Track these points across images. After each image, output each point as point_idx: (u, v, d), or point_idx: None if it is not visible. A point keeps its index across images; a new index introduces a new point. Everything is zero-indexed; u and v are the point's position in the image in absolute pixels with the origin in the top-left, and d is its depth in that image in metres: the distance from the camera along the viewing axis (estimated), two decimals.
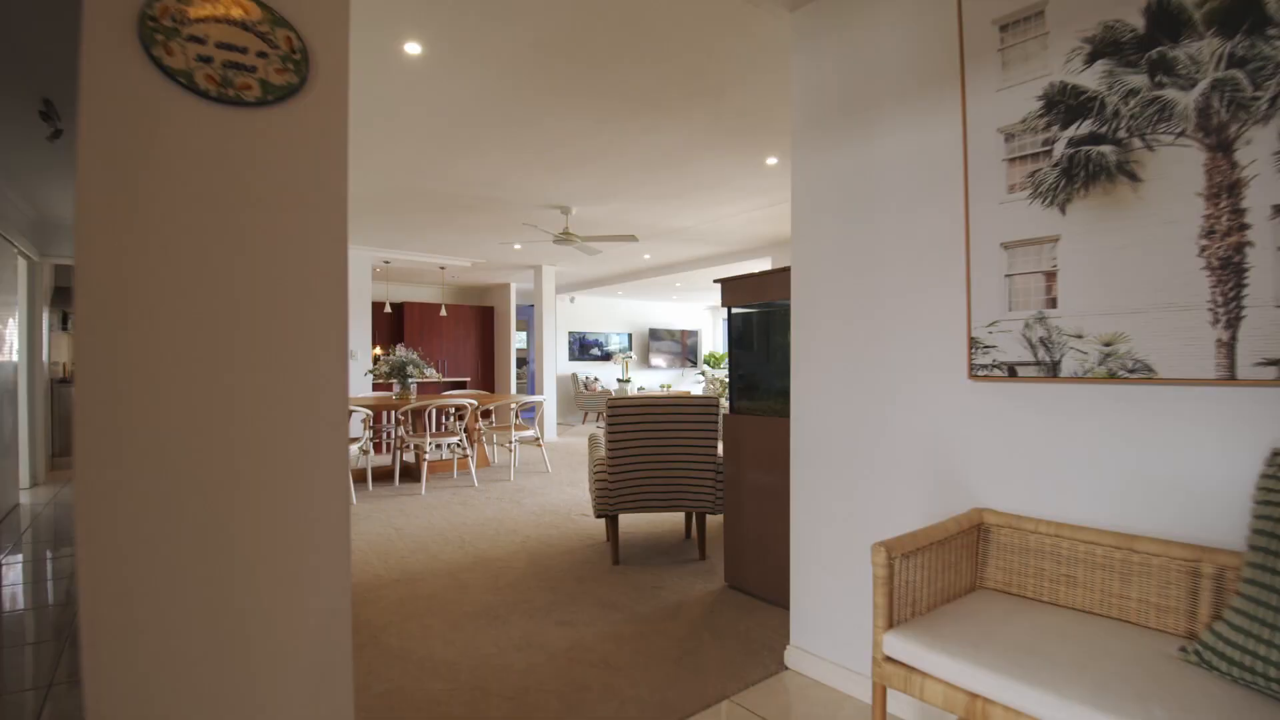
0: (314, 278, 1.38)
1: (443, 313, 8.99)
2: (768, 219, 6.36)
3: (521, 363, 13.50)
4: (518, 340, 13.15)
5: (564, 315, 12.21)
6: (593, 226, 6.21)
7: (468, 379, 8.69)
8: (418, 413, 5.99)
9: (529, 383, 13.18)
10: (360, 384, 7.50)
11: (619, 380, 12.22)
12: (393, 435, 6.50)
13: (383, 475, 6.21)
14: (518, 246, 7.71)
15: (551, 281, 9.23)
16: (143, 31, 1.15)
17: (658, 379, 13.69)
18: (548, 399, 8.78)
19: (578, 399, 11.67)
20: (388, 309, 8.41)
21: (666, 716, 2.04)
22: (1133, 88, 1.55)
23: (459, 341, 10.99)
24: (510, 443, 6.22)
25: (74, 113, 1.39)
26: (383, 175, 4.88)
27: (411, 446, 5.95)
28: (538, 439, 6.48)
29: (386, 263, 8.34)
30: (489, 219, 6.16)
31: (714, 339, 14.91)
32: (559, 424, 11.34)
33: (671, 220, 6.33)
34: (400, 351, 6.31)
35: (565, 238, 5.59)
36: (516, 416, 6.81)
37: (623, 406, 3.40)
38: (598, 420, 12.01)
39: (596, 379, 12.01)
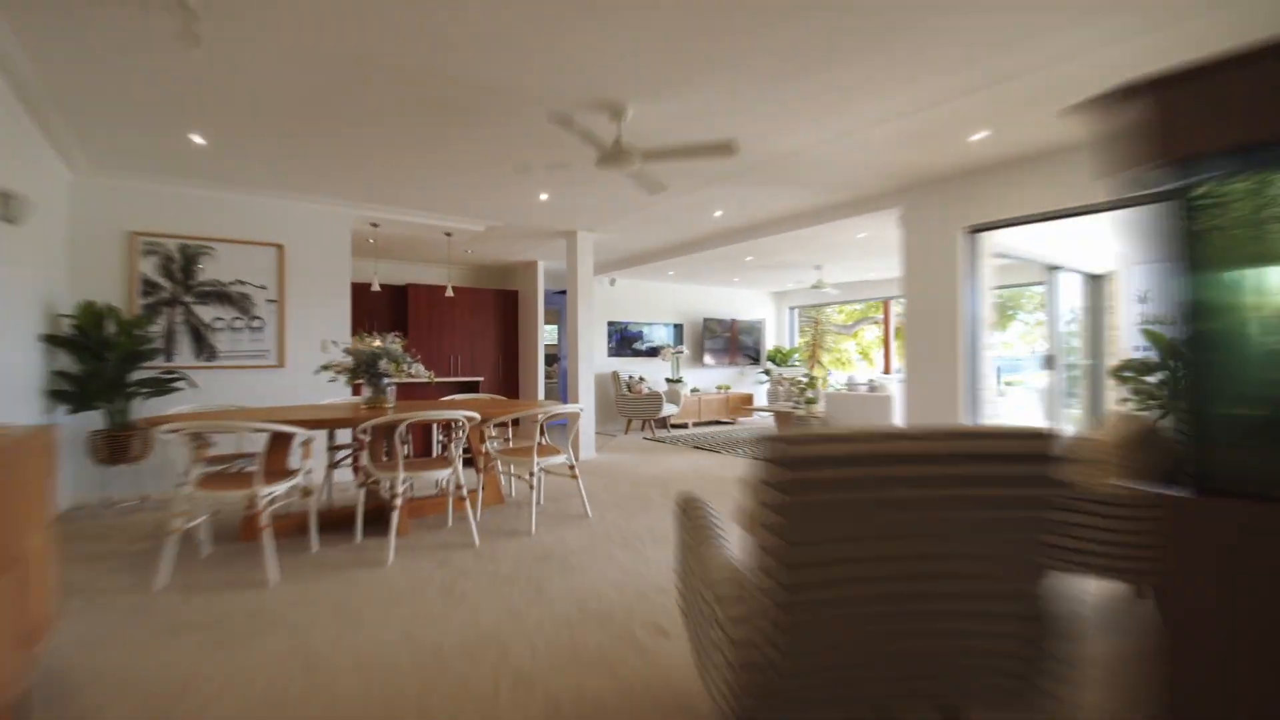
0: None
1: (449, 293, 6.97)
2: (938, 130, 4.14)
3: (551, 360, 11.46)
4: (547, 335, 11.13)
5: (602, 301, 10.13)
6: (657, 138, 4.07)
7: (481, 379, 6.68)
8: (386, 431, 3.95)
9: (560, 383, 11.13)
10: (323, 385, 5.48)
11: (669, 380, 10.09)
12: (363, 463, 4.48)
13: (346, 521, 4.16)
14: (544, 196, 5.63)
15: (589, 253, 7.14)
16: None
17: (712, 379, 11.51)
18: (585, 407, 6.68)
19: (619, 403, 9.57)
20: (376, 288, 6.42)
21: None
22: None
23: (476, 333, 8.98)
24: (530, 474, 4.13)
25: None
26: (306, 35, 2.83)
27: (384, 483, 3.91)
28: (571, 466, 4.38)
29: (375, 226, 6.35)
30: (496, 130, 4.07)
31: (779, 331, 12.65)
32: (596, 433, 9.27)
33: (778, 136, 4.16)
34: (374, 340, 4.28)
35: (617, 154, 3.48)
36: (542, 433, 4.72)
37: (821, 460, 1.23)
38: (642, 429, 9.90)
39: (642, 379, 9.89)
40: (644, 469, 6.38)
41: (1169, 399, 8.37)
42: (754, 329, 11.92)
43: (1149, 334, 8.37)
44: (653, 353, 10.74)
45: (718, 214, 6.19)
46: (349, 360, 4.25)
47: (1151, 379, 8.16)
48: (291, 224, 5.71)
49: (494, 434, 5.28)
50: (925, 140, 4.26)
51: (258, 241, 5.57)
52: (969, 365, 5.01)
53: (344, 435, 4.76)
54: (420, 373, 4.45)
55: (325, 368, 4.15)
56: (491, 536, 3.96)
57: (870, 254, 8.07)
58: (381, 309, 8.35)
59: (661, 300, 11.00)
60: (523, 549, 3.70)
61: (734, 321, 11.63)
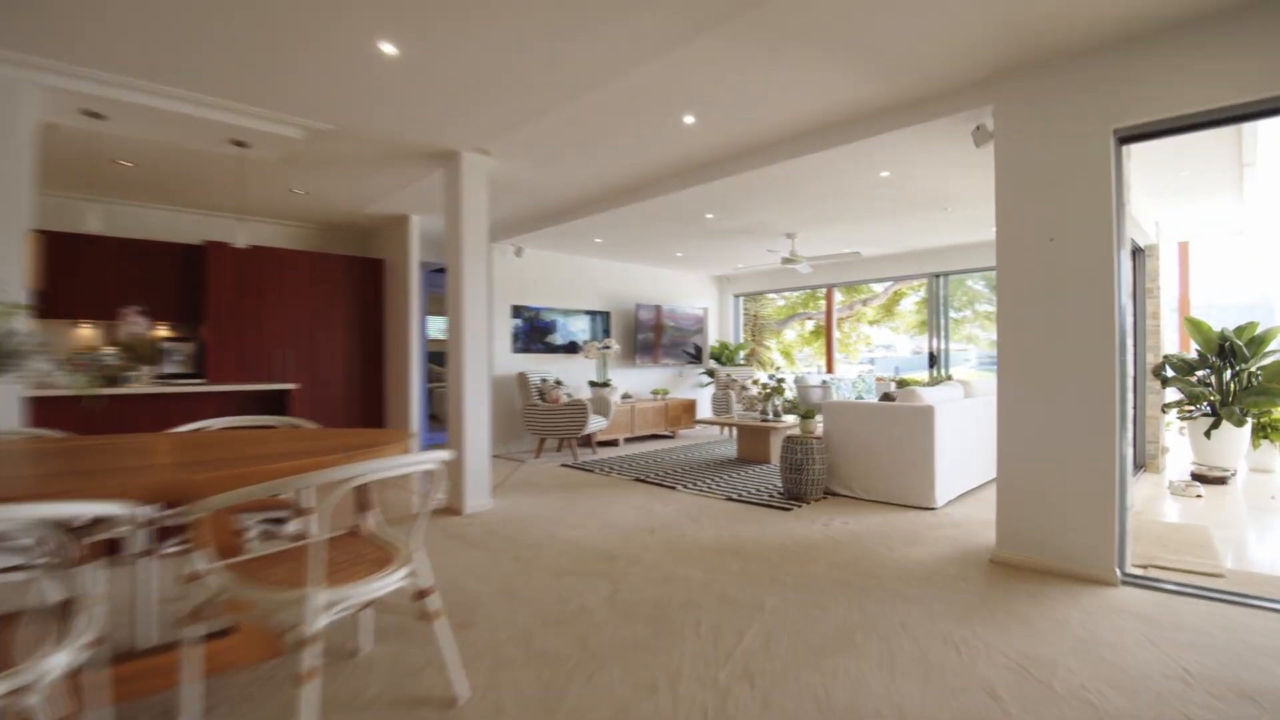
0: None
1: (240, 244, 4.27)
2: None
3: (441, 359, 8.80)
4: (429, 326, 8.48)
5: (505, 279, 7.62)
6: None
7: (296, 385, 4.05)
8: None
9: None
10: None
11: (593, 384, 7.73)
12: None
13: None
14: (390, 49, 3.15)
15: (479, 189, 4.65)
16: None
17: (646, 381, 9.24)
18: (471, 443, 4.23)
19: (527, 416, 7.10)
20: (95, 228, 3.65)
21: None
22: None
23: (319, 321, 6.24)
24: (342, 603, 1.65)
25: None
26: None
27: None
28: (421, 593, 1.94)
29: (99, 117, 3.59)
30: None
31: (721, 323, 10.57)
32: (495, 458, 6.76)
33: None
34: None
35: None
36: (365, 510, 2.26)
37: None
38: (559, 449, 7.48)
39: (559, 382, 7.46)
40: (570, 529, 4.00)
41: (1220, 401, 6.62)
42: (695, 320, 9.77)
43: (1191, 323, 6.80)
44: (572, 348, 8.34)
45: (689, 120, 3.90)
46: None
47: (1195, 377, 6.58)
48: None
49: (284, 517, 2.74)
50: None
51: None
52: (1120, 366, 3.01)
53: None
54: (55, 378, 1.86)
55: None
56: None
57: (873, 213, 6.06)
58: (160, 279, 5.47)
59: (584, 280, 8.61)
60: None
61: (671, 310, 9.41)
